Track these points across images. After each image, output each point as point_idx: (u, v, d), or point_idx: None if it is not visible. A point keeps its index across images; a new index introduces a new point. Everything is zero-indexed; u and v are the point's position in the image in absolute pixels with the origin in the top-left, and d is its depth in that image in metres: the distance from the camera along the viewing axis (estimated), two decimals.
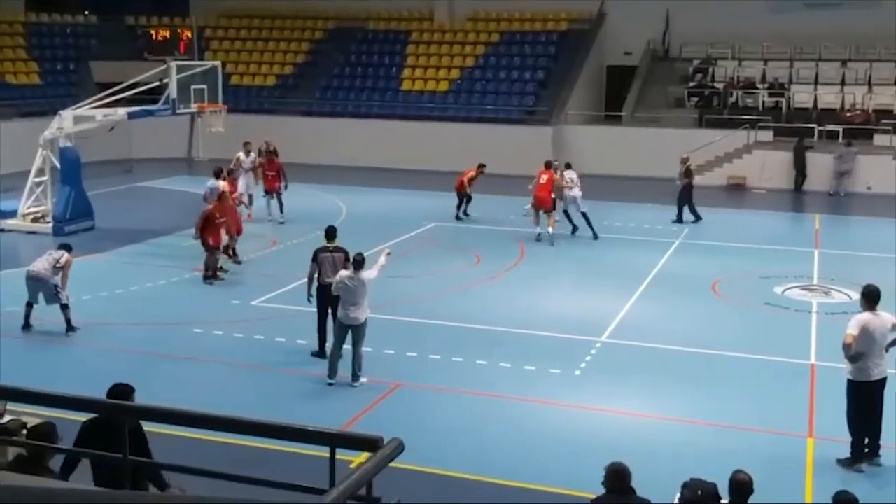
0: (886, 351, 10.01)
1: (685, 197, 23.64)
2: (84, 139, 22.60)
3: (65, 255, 14.36)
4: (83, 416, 6.83)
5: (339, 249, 13.31)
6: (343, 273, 12.34)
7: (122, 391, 7.19)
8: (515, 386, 12.41)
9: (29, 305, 14.28)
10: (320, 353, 13.16)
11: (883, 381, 9.97)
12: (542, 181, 20.93)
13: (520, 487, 9.63)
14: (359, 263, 12.29)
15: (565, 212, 21.62)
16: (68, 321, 14.20)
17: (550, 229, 20.72)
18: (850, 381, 10.03)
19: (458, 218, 23.54)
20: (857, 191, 28.20)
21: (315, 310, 13.30)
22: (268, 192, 22.76)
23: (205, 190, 19.81)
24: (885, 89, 31.53)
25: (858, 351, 9.79)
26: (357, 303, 12.17)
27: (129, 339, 14.11)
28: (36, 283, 14.18)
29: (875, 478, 9.87)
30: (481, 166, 23.79)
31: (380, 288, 15.22)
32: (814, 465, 10.20)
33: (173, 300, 16.40)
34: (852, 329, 9.79)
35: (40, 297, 14.22)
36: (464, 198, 23.61)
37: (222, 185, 19.20)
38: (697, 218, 23.55)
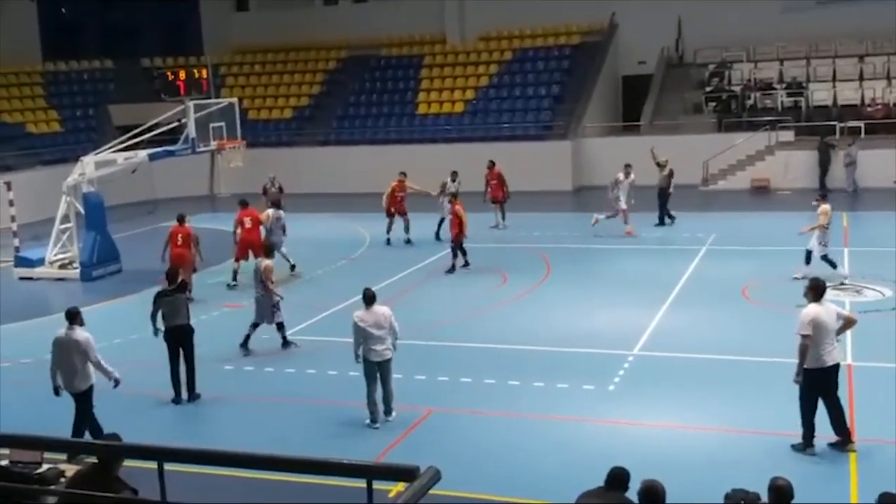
0: (837, 340, 10.47)
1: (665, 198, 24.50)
2: (107, 183, 22.81)
3: (263, 263, 15.08)
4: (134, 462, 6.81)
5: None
6: (357, 313, 11.86)
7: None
8: (549, 405, 12.33)
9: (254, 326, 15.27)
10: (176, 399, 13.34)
11: (836, 367, 10.38)
12: (247, 225, 19.82)
13: None
14: (370, 299, 11.81)
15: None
16: (284, 338, 15.24)
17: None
18: (804, 370, 10.30)
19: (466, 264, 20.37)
20: (881, 185, 27.88)
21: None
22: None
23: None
24: None
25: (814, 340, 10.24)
26: (376, 338, 11.65)
27: (161, 380, 14.07)
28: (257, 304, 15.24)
29: None
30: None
31: (407, 313, 15.23)
32: (858, 467, 10.04)
33: (203, 338, 16.33)
34: (806, 329, 10.20)
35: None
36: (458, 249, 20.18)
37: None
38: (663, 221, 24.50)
